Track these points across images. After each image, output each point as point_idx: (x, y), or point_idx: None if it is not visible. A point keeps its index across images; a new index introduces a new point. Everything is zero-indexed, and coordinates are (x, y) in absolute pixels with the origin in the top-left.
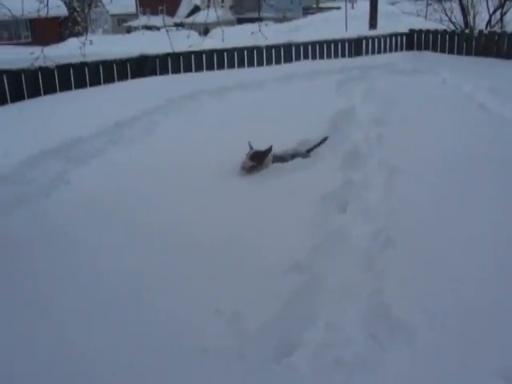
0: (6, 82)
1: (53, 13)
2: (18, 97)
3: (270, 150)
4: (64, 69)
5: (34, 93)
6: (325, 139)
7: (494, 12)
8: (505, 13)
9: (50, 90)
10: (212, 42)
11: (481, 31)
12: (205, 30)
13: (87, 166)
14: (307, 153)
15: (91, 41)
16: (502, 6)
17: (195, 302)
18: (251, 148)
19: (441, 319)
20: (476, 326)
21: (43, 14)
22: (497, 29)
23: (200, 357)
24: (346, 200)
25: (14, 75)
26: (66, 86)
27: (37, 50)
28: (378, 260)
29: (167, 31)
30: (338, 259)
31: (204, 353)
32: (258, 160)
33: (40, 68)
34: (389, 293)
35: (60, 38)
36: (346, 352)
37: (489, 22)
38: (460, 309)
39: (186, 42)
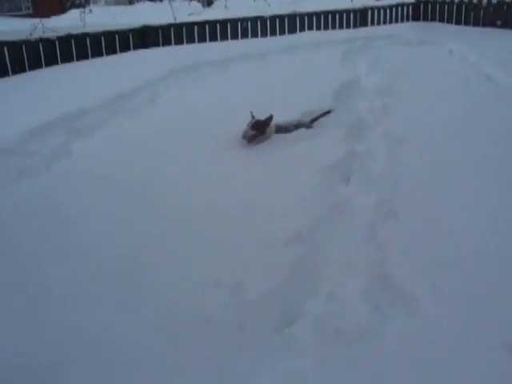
0: (6, 53)
1: None
2: (18, 69)
3: (270, 118)
4: (65, 40)
5: (35, 65)
6: (328, 112)
7: None
8: None
9: (51, 61)
10: (213, 11)
11: (489, 1)
12: (208, 1)
13: (89, 137)
14: (311, 123)
15: (91, 10)
16: None
17: (195, 273)
18: (253, 117)
19: (443, 289)
20: (479, 297)
21: None
22: None
23: (201, 328)
24: (350, 170)
25: (15, 47)
26: (67, 58)
27: (38, 22)
28: (381, 230)
29: (170, 2)
30: (340, 230)
31: (205, 323)
32: (259, 129)
33: (41, 39)
34: (391, 263)
35: (61, 10)
36: (348, 322)
37: None
38: (463, 279)
39: (187, 11)
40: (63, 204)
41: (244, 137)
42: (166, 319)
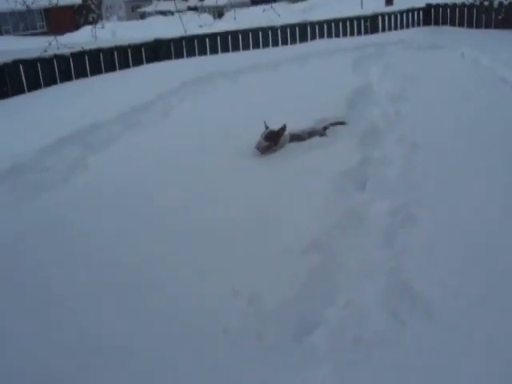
0: (22, 71)
1: (65, 1)
2: (34, 86)
3: (284, 128)
4: (79, 56)
5: (50, 81)
6: (342, 123)
7: None
8: None
9: (65, 77)
10: (224, 23)
11: (501, 3)
12: (219, 13)
13: (105, 151)
14: (324, 131)
15: (102, 26)
16: None
17: (213, 283)
18: (266, 128)
19: (462, 296)
20: (499, 303)
21: (55, 1)
22: None
23: (219, 338)
24: (365, 177)
25: (30, 64)
26: (81, 73)
27: (52, 39)
28: (398, 236)
29: (179, 15)
30: (356, 236)
31: (223, 333)
32: (273, 139)
33: (55, 56)
34: (409, 269)
35: (75, 27)
36: (366, 330)
37: None
38: (482, 285)
39: (198, 24)
40: (79, 217)
41: (258, 148)
42: (184, 330)
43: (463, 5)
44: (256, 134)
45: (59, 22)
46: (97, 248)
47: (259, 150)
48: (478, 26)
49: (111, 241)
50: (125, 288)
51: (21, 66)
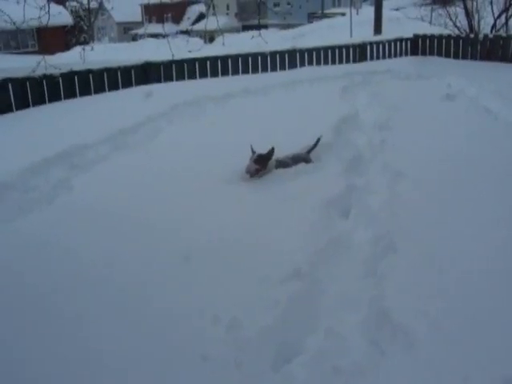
0: (11, 90)
1: (57, 21)
2: (22, 105)
3: (272, 151)
4: (68, 76)
5: (39, 101)
6: (318, 139)
7: (499, 16)
8: (510, 16)
9: (54, 97)
10: (213, 47)
11: (486, 35)
12: (210, 37)
13: (91, 172)
14: (309, 157)
15: (92, 47)
16: (506, 9)
17: (194, 308)
18: (253, 152)
19: (442, 326)
20: (479, 333)
21: (45, 21)
22: (502, 33)
23: (198, 365)
24: (349, 205)
25: (19, 83)
26: (70, 94)
27: (42, 59)
28: (380, 265)
29: (167, 39)
30: (339, 265)
31: (202, 360)
32: (261, 163)
33: (45, 76)
34: (390, 299)
35: (66, 47)
36: (346, 359)
37: (494, 26)
38: (462, 315)
39: (189, 48)
40: (64, 238)
41: (247, 172)
42: (163, 356)
43: (450, 36)
44: (243, 158)
45: (50, 41)
46: (78, 269)
47: (249, 174)
48: (464, 58)
49: (95, 263)
50: (107, 311)
51: (9, 85)
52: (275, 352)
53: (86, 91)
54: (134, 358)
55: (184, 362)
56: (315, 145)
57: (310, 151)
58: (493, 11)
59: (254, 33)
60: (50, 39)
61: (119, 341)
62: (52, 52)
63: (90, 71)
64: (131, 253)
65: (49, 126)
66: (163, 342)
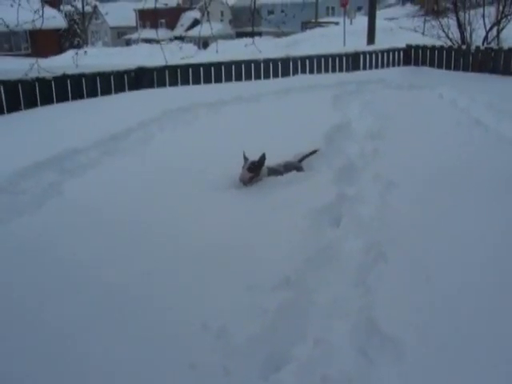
0: (2, 92)
1: (51, 24)
2: (14, 107)
3: (263, 157)
4: (61, 80)
5: (31, 104)
6: (315, 151)
7: (491, 29)
8: (501, 29)
9: (46, 101)
10: (206, 54)
11: (477, 47)
12: (204, 43)
13: (81, 177)
14: (301, 165)
15: (85, 51)
16: (498, 22)
17: (182, 315)
18: (246, 159)
19: (431, 335)
20: (467, 343)
21: (38, 24)
22: (493, 45)
23: (186, 373)
24: (340, 214)
25: (11, 86)
26: (62, 98)
27: (35, 62)
28: (369, 275)
29: (160, 45)
30: (328, 273)
31: (190, 369)
32: (255, 171)
33: (37, 79)
34: (379, 308)
35: (60, 50)
36: (334, 368)
37: (485, 38)
38: (451, 325)
39: (182, 54)
40: (54, 241)
41: (241, 180)
42: (150, 364)
43: (442, 47)
44: (234, 165)
45: (44, 44)
46: (66, 274)
47: (243, 182)
48: (456, 69)
49: (85, 265)
50: (96, 314)
51: (1, 87)
52: (264, 360)
53: (78, 95)
54: (120, 366)
55: (172, 369)
56: (309, 155)
57: (301, 160)
58: (485, 24)
59: (248, 40)
60: (44, 42)
61: (106, 348)
62: (45, 55)
63: (82, 75)
64: (118, 259)
65: (40, 130)
66: (151, 350)
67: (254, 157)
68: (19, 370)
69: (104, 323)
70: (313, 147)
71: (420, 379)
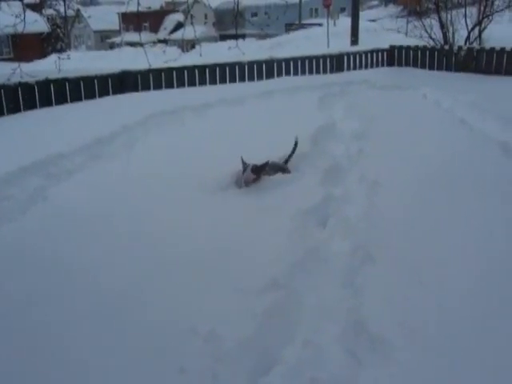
0: None
1: (33, 28)
2: None
3: (267, 164)
4: (44, 84)
5: (14, 109)
6: (296, 143)
7: (473, 29)
8: (483, 29)
9: (29, 106)
10: (190, 57)
11: (460, 47)
12: (192, 46)
13: (67, 182)
14: (287, 167)
15: (68, 55)
16: (479, 23)
17: (170, 319)
18: (244, 163)
19: (420, 336)
20: (456, 344)
21: (20, 28)
22: (475, 45)
23: (175, 377)
24: (326, 215)
25: None
26: (46, 102)
27: (17, 67)
28: (357, 276)
29: (144, 48)
30: (316, 275)
31: (179, 373)
32: (258, 173)
33: (20, 84)
34: (367, 309)
35: (42, 55)
36: (323, 370)
37: (467, 38)
38: (440, 325)
39: (164, 58)
40: (40, 247)
41: (245, 180)
42: (140, 368)
43: (425, 48)
44: (220, 168)
45: (26, 48)
46: (54, 280)
47: (246, 183)
48: (439, 69)
49: (72, 270)
50: (84, 319)
51: None
52: (253, 363)
53: (62, 100)
54: (109, 370)
55: (161, 374)
56: (293, 151)
57: (287, 161)
58: (466, 24)
59: (232, 43)
60: (26, 46)
61: (94, 352)
62: (28, 59)
63: (66, 79)
64: (106, 264)
65: (24, 135)
66: (140, 354)
67: (250, 161)
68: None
69: (92, 328)
70: (299, 149)
71: (409, 380)
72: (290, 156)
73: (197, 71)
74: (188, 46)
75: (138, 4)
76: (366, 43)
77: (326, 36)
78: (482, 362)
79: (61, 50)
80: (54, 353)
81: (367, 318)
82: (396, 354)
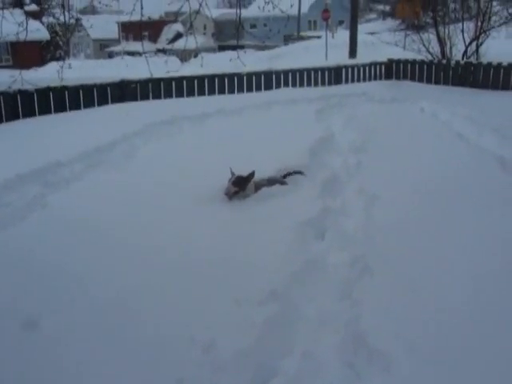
0: None
1: (34, 36)
2: None
3: (252, 175)
4: (43, 92)
5: (13, 116)
6: (300, 173)
7: (470, 43)
8: (480, 44)
9: (28, 113)
10: (191, 67)
11: (457, 62)
12: (190, 55)
13: (65, 190)
14: (284, 179)
15: (70, 64)
16: (477, 37)
17: (169, 329)
18: (233, 174)
19: (418, 348)
20: (454, 355)
21: (22, 36)
22: (473, 60)
23: None
24: (324, 227)
25: None
26: (45, 110)
27: (17, 74)
28: (355, 288)
29: (145, 57)
30: (315, 287)
31: (178, 383)
32: (240, 185)
33: (19, 91)
34: (366, 321)
35: (42, 62)
36: (322, 382)
37: (465, 52)
38: (437, 337)
39: (165, 68)
40: (38, 255)
41: (226, 193)
42: (138, 378)
43: (423, 62)
44: (218, 178)
45: (25, 56)
46: (53, 287)
47: (228, 196)
48: (437, 82)
49: (66, 280)
50: (82, 328)
51: None
52: (251, 374)
53: (61, 108)
54: (107, 380)
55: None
56: (293, 173)
57: (285, 176)
58: (464, 39)
59: (231, 53)
60: (25, 54)
61: (93, 361)
62: (27, 67)
63: (65, 88)
64: (105, 272)
65: (23, 142)
66: (138, 364)
67: (239, 171)
68: None
69: (90, 337)
70: (297, 161)
71: None
72: (290, 174)
73: (196, 81)
74: (186, 55)
75: (142, 15)
76: (364, 56)
77: (324, 48)
78: (482, 373)
79: (60, 58)
80: (50, 360)
81: (366, 330)
82: (395, 365)
